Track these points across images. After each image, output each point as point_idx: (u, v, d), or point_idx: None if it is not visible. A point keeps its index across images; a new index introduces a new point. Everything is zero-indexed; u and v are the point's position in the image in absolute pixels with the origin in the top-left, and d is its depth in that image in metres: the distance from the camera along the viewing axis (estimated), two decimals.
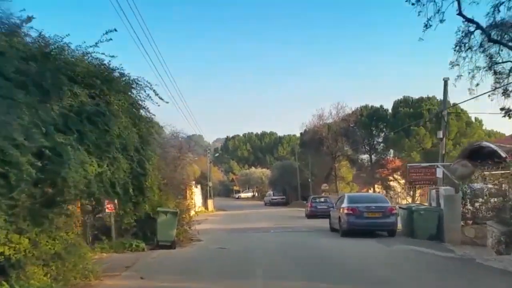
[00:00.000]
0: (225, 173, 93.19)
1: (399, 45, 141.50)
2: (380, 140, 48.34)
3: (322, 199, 31.69)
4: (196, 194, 43.30)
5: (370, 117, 47.75)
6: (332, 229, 18.94)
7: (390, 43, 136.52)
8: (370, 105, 48.51)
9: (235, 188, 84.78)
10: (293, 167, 56.01)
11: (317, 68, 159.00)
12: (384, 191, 50.08)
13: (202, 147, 68.94)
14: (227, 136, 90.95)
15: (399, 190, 47.39)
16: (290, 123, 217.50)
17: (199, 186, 47.98)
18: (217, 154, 52.21)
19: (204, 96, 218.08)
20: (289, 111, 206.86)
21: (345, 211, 16.65)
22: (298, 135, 70.19)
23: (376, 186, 49.62)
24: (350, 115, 47.40)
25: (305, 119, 47.51)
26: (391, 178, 49.18)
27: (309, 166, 51.97)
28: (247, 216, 34.94)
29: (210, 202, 48.17)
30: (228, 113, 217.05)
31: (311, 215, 30.03)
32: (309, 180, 52.37)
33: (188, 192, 39.62)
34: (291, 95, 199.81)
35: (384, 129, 47.49)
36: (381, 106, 48.21)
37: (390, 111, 47.18)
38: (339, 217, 17.26)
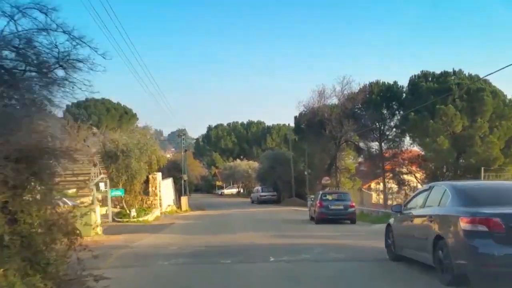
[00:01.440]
0: (207, 166, 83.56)
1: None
2: (392, 124, 39.38)
3: (336, 196, 22.57)
4: (164, 188, 33.93)
5: (382, 95, 38.72)
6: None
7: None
8: (381, 81, 39.48)
9: (218, 183, 75.37)
10: (286, 158, 46.89)
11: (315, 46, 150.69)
12: (396, 187, 41.46)
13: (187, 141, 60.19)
14: (209, 125, 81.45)
15: (416, 185, 38.75)
16: (280, 112, 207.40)
17: (170, 180, 38.61)
18: (193, 141, 42.40)
19: (188, 88, 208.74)
20: (280, 98, 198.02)
21: None
22: (288, 124, 61.26)
23: (387, 180, 40.80)
24: (358, 93, 38.31)
25: (299, 102, 39.46)
26: (404, 170, 40.33)
27: (306, 156, 42.88)
28: (229, 219, 25.70)
29: (184, 200, 38.80)
30: (213, 103, 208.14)
31: (321, 219, 20.99)
32: (306, 173, 43.32)
33: (150, 185, 30.36)
34: (284, 79, 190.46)
35: (399, 110, 38.53)
36: (395, 82, 39.26)
37: (406, 88, 38.22)
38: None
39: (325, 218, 20.72)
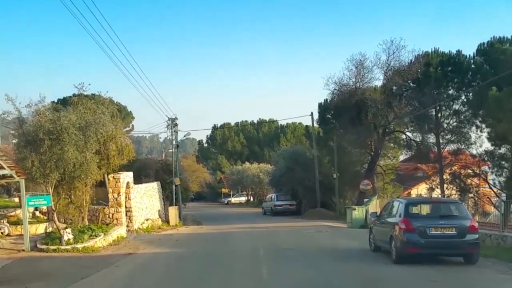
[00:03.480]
0: (212, 171, 73.32)
1: None
2: (457, 107, 28.66)
3: (438, 209, 11.39)
4: (141, 196, 23.78)
5: (443, 68, 28.13)
6: None
7: None
8: (440, 50, 28.85)
9: (224, 190, 64.84)
10: (307, 157, 36.39)
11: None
12: (456, 194, 30.64)
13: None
14: (214, 125, 71.04)
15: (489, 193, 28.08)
16: (296, 110, 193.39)
17: (154, 185, 28.50)
18: (186, 136, 32.13)
19: (191, 89, 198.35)
20: (296, 94, 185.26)
21: None
22: (305, 123, 50.61)
23: (446, 186, 29.98)
24: (411, 65, 27.74)
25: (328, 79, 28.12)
26: (470, 171, 29.51)
27: (335, 153, 32.42)
28: (231, 248, 15.36)
29: (172, 211, 28.53)
30: (219, 102, 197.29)
31: (408, 255, 10.58)
32: (333, 176, 32.83)
33: (111, 190, 20.02)
34: (301, 70, 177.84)
35: (467, 88, 27.85)
36: (458, 51, 28.65)
37: (475, 58, 27.62)
38: None
39: (419, 253, 10.62)
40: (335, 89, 28.73)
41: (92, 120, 16.80)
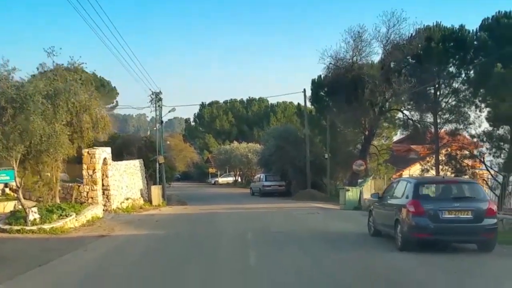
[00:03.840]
0: (199, 151, 71.66)
1: None
2: (456, 85, 27.28)
3: (451, 190, 9.98)
4: (121, 174, 22.24)
5: (445, 43, 26.62)
6: None
7: None
8: (442, 24, 27.30)
9: (211, 170, 63.30)
10: (298, 137, 34.93)
11: None
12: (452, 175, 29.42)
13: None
14: (202, 103, 68.97)
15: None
16: (287, 89, 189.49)
17: (136, 162, 26.95)
18: (171, 111, 30.36)
19: (179, 65, 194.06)
20: (287, 73, 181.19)
21: None
22: (296, 102, 48.92)
23: (442, 169, 28.73)
24: (411, 40, 26.19)
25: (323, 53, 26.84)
26: (466, 152, 28.33)
27: (327, 132, 31.01)
28: (216, 230, 13.91)
29: (155, 191, 27.05)
30: (207, 80, 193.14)
31: (416, 240, 9.29)
32: (325, 156, 31.50)
33: (86, 166, 18.33)
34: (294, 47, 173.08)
35: (469, 65, 26.47)
36: (461, 26, 27.15)
37: (478, 33, 26.17)
38: None
39: (428, 239, 9.25)
40: (330, 63, 27.16)
41: (62, 87, 15.12)
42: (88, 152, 17.95)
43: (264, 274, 7.57)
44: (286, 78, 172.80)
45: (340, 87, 27.80)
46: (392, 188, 11.07)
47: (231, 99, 69.54)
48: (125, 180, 23.10)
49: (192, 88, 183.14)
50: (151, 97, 30.31)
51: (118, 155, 28.09)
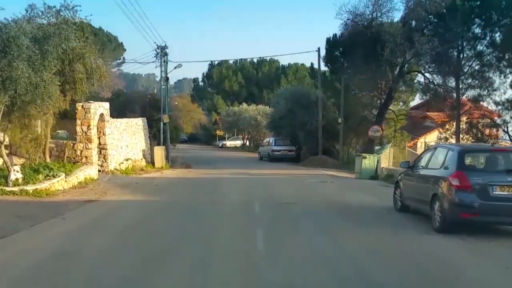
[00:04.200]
0: (207, 112, 70.07)
1: None
2: (481, 48, 25.02)
3: (506, 158, 8.49)
4: (120, 132, 20.75)
5: (471, 1, 24.25)
6: None
7: None
8: None
9: (219, 133, 61.72)
10: (310, 99, 33.05)
11: None
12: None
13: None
14: (211, 62, 66.60)
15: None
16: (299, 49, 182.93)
17: (139, 121, 25.47)
18: (177, 67, 28.43)
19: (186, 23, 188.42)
20: (300, 31, 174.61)
21: None
22: (308, 63, 46.48)
23: (462, 137, 26.83)
24: None
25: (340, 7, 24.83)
26: (489, 120, 26.36)
27: (341, 96, 29.09)
28: (219, 202, 12.01)
29: (158, 152, 25.60)
30: (216, 39, 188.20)
31: (456, 221, 7.67)
32: (339, 121, 29.71)
33: (80, 122, 16.65)
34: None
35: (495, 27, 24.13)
36: None
37: None
38: None
39: (475, 219, 7.60)
40: (348, 19, 25.00)
41: (52, 30, 13.36)
42: (82, 106, 16.37)
43: (277, 264, 5.99)
44: (299, 37, 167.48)
45: (357, 46, 25.76)
46: (426, 156, 9.33)
47: (240, 59, 67.07)
48: (125, 139, 21.61)
49: (201, 47, 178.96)
50: (156, 51, 28.41)
51: (120, 113, 26.57)
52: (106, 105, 18.55)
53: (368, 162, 19.31)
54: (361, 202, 11.85)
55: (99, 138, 17.98)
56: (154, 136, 29.84)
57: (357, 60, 25.80)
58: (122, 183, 15.70)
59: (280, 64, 64.83)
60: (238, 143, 57.84)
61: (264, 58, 65.24)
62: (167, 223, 8.82)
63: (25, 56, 12.18)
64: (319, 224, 8.72)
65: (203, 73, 68.43)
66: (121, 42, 52.74)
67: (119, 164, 19.94)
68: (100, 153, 18.07)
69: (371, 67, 24.83)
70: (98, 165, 17.92)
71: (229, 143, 58.42)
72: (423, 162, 9.24)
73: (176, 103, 65.18)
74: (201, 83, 69.65)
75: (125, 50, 53.65)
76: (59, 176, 13.18)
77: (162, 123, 28.50)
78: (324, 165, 27.79)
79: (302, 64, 62.45)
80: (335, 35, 29.99)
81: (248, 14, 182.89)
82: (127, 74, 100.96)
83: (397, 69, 25.56)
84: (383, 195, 12.48)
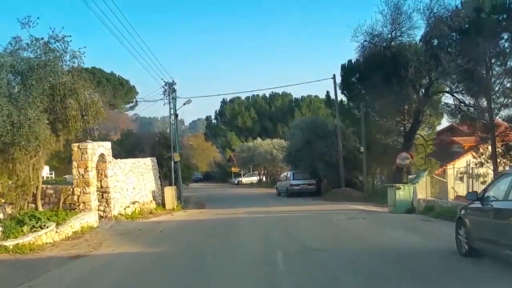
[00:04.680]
0: (221, 150, 68.49)
1: None
2: None
3: None
4: (125, 173, 19.00)
5: (497, 15, 22.49)
6: None
7: None
8: None
9: (234, 170, 59.77)
10: (328, 130, 31.17)
11: None
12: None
13: None
14: (223, 99, 65.61)
15: None
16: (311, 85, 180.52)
17: (147, 161, 23.86)
18: (187, 103, 26.92)
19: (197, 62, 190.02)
20: (312, 63, 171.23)
21: None
22: (323, 95, 44.81)
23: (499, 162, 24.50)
24: (456, 11, 22.21)
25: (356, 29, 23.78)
26: None
27: (361, 122, 27.13)
28: (232, 252, 9.99)
29: (169, 192, 23.75)
30: (228, 76, 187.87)
31: None
32: (360, 149, 27.63)
33: (76, 164, 14.78)
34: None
35: None
36: None
37: None
38: None
39: None
40: (365, 40, 23.24)
41: (36, 63, 11.83)
42: (78, 146, 14.67)
43: None
44: (311, 68, 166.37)
45: (376, 70, 24.05)
46: (504, 185, 7.14)
47: (253, 94, 65.92)
48: (131, 181, 19.82)
49: (211, 85, 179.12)
50: (164, 88, 27.02)
51: (129, 153, 24.99)
52: (108, 144, 16.86)
53: (403, 193, 17.08)
54: (408, 245, 9.65)
55: (100, 180, 16.22)
56: (165, 175, 28.13)
57: (377, 84, 23.93)
58: (124, 231, 13.76)
59: (293, 97, 63.63)
60: (254, 179, 55.82)
61: (277, 92, 64.14)
62: (166, 285, 6.81)
63: (4, 91, 10.65)
64: (366, 281, 6.58)
65: (216, 111, 67.43)
66: (133, 86, 52.09)
67: (125, 208, 18.06)
68: (102, 197, 16.26)
69: (393, 89, 22.94)
70: (100, 210, 16.11)
71: (245, 179, 56.41)
72: (500, 193, 7.04)
73: (191, 142, 63.87)
74: (214, 121, 68.45)
75: (138, 93, 52.94)
76: (47, 227, 11.31)
77: (172, 162, 26.81)
78: (348, 198, 25.60)
79: (316, 96, 61.19)
80: (349, 61, 28.55)
81: (260, 49, 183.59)
82: (143, 118, 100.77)
83: (422, 90, 23.56)
84: (431, 233, 10.39)
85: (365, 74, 26.37)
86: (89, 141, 15.02)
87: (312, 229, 12.86)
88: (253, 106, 64.20)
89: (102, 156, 16.09)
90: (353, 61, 28.15)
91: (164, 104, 27.45)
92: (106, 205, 16.29)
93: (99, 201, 16.16)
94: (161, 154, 27.72)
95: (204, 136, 71.23)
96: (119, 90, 51.76)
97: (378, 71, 23.93)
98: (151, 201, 22.83)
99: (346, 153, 29.01)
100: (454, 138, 33.78)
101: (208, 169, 72.77)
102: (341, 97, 30.72)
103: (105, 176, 16.27)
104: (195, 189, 44.99)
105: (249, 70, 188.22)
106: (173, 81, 26.93)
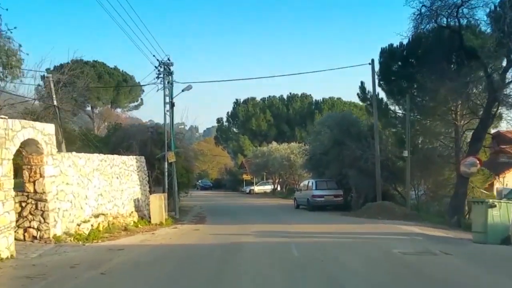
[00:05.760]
0: (232, 155, 62.85)
1: None
2: None
3: None
4: (79, 171, 13.21)
5: None
6: None
7: None
8: None
9: (245, 177, 53.69)
10: (362, 129, 25.30)
11: None
12: None
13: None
14: (236, 100, 59.85)
15: None
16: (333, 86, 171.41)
17: (132, 159, 18.32)
18: (186, 90, 21.25)
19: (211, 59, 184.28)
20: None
21: None
22: (347, 98, 38.92)
23: None
24: None
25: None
26: None
27: (407, 121, 21.21)
28: None
29: (155, 200, 18.06)
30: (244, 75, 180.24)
31: None
32: (404, 154, 21.61)
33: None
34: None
35: None
36: None
37: None
38: None
39: None
40: (423, 5, 17.20)
41: None
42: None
43: None
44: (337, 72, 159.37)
45: (431, 49, 18.38)
46: None
47: (269, 96, 60.19)
48: (96, 185, 14.20)
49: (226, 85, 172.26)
50: (158, 68, 21.43)
51: (112, 151, 19.66)
52: (49, 127, 11.20)
53: (497, 213, 11.07)
54: None
55: (33, 182, 10.65)
56: (158, 180, 22.64)
57: (432, 66, 18.11)
58: (44, 269, 8.05)
59: (313, 99, 57.75)
60: (268, 188, 49.90)
61: (295, 93, 58.42)
62: None
63: None
64: None
65: (228, 112, 61.64)
66: (138, 82, 46.90)
67: (78, 225, 12.40)
68: (36, 207, 10.67)
69: (462, 73, 17.07)
70: (32, 227, 10.56)
71: (257, 188, 50.51)
72: None
73: (202, 149, 58.59)
74: (225, 123, 62.54)
75: (143, 91, 47.79)
76: None
77: (166, 163, 21.27)
78: (388, 215, 19.69)
79: (339, 98, 55.68)
80: (391, 45, 22.92)
81: (281, 47, 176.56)
82: (151, 121, 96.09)
83: (494, 76, 17.55)
84: None
85: (414, 57, 20.81)
86: (2, 116, 9.39)
87: (358, 270, 7.08)
88: (269, 108, 58.44)
89: (36, 145, 10.52)
90: (395, 44, 22.60)
91: (157, 90, 21.94)
92: (42, 220, 10.68)
93: (31, 214, 10.59)
94: (154, 152, 22.24)
95: (215, 140, 65.66)
96: (122, 85, 46.80)
97: (434, 52, 18.19)
98: (132, 212, 17.21)
99: (383, 158, 23.11)
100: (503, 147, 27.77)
101: (219, 176, 67.46)
102: (377, 90, 24.89)
103: (41, 175, 10.67)
104: (202, 197, 39.50)
105: (267, 70, 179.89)
106: (168, 59, 21.32)
